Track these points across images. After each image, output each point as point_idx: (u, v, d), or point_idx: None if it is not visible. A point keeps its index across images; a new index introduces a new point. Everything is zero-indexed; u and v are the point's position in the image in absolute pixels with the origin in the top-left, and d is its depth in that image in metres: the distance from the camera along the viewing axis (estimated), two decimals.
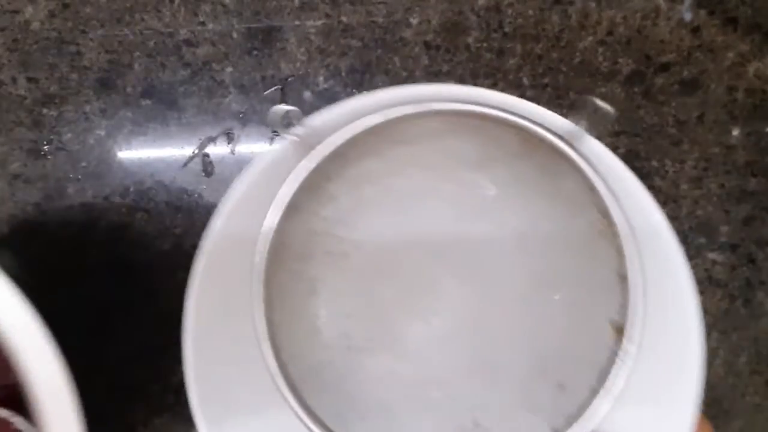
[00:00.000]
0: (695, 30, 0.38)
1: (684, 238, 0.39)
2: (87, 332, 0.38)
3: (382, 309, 0.33)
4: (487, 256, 0.32)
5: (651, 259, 0.26)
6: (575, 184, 0.27)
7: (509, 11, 0.37)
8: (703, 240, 0.40)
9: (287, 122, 0.27)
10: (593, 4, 0.37)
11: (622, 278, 0.26)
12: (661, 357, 0.27)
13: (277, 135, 0.27)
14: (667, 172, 0.39)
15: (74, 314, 0.37)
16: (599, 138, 0.26)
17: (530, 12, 0.37)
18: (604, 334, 0.27)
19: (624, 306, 0.26)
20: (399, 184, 0.32)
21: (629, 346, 0.25)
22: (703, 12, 0.38)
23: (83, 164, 0.37)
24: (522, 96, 0.36)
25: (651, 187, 0.39)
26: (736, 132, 0.39)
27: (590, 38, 0.38)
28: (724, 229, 0.40)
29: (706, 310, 0.40)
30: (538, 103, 0.38)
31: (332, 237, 0.32)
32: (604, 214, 0.26)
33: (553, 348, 0.30)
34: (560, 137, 0.26)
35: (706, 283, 0.40)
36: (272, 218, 0.27)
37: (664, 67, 0.38)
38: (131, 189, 0.37)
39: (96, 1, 0.36)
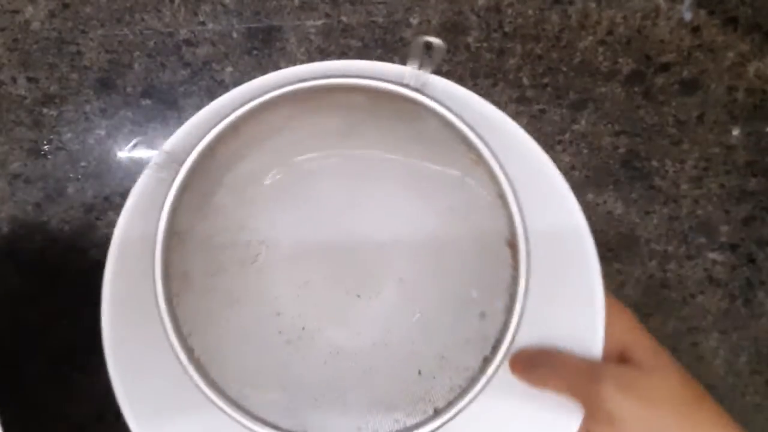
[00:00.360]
0: (695, 30, 0.38)
1: (684, 237, 0.39)
2: (87, 331, 0.38)
3: (309, 296, 0.33)
4: (389, 217, 0.33)
5: (522, 167, 0.28)
6: (437, 125, 0.28)
7: (509, 11, 0.37)
8: (703, 240, 0.40)
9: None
10: (593, 4, 0.37)
11: (502, 197, 0.27)
12: (557, 259, 0.28)
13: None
14: (667, 171, 0.39)
15: (74, 314, 0.37)
16: (436, 72, 0.27)
17: (530, 12, 0.37)
18: (504, 255, 0.28)
19: (510, 222, 0.27)
20: (284, 175, 0.33)
21: (521, 257, 0.27)
22: (703, 12, 0.38)
23: (83, 164, 0.37)
24: (522, 96, 0.37)
25: (651, 187, 0.39)
26: (736, 132, 0.39)
27: (590, 38, 0.38)
28: (724, 228, 0.40)
29: (707, 310, 0.40)
30: (538, 103, 0.38)
31: (237, 245, 0.32)
32: (467, 143, 0.27)
33: (470, 284, 0.31)
34: (405, 86, 0.27)
35: (706, 282, 0.40)
36: (158, 251, 0.27)
37: (664, 67, 0.38)
38: (131, 189, 0.37)
39: (96, 1, 0.36)
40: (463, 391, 0.27)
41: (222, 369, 0.28)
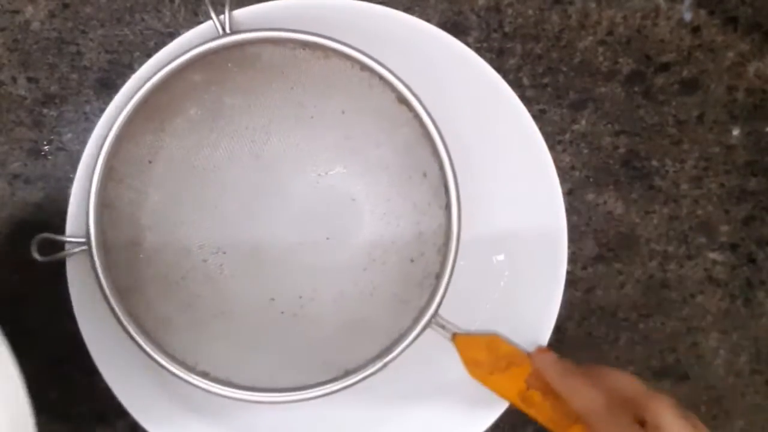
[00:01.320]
0: (695, 30, 0.38)
1: (684, 237, 0.39)
2: None
3: (290, 270, 0.34)
4: (307, 164, 0.34)
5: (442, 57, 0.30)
6: (272, 52, 0.29)
7: (509, 11, 0.37)
8: (703, 240, 0.40)
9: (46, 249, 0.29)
10: (593, 4, 0.37)
11: (369, 70, 0.28)
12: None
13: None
14: (667, 171, 0.39)
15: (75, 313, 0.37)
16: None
17: (530, 12, 0.37)
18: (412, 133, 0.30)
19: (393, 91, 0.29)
20: (195, 183, 0.33)
21: (441, 151, 0.29)
22: (703, 12, 0.38)
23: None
24: (522, 96, 0.36)
25: (651, 187, 0.39)
26: (736, 132, 0.39)
27: (590, 38, 0.38)
28: (724, 228, 0.40)
29: (707, 310, 0.40)
30: (538, 103, 0.38)
31: (196, 268, 0.33)
32: (311, 46, 0.28)
33: (406, 183, 0.33)
34: (217, 38, 0.28)
35: (706, 282, 0.40)
36: (123, 319, 0.29)
37: (664, 67, 0.38)
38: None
39: (96, 1, 0.36)
40: (446, 247, 0.29)
41: (249, 375, 0.29)
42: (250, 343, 0.32)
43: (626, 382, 0.30)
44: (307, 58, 0.29)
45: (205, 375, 0.28)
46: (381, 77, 0.28)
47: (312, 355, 0.32)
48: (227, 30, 0.28)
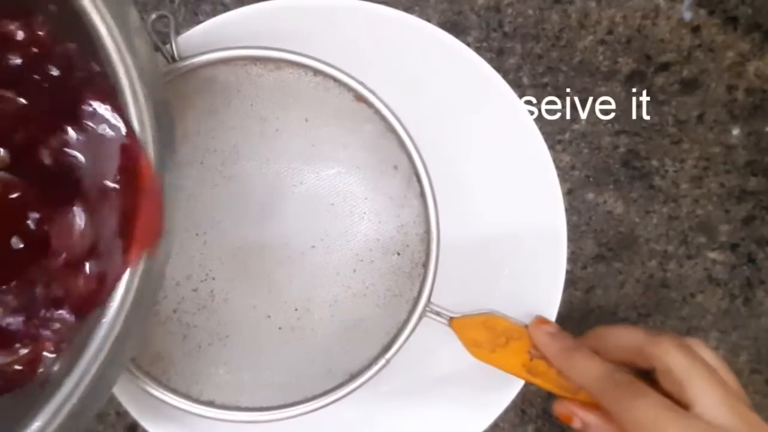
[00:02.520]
0: (695, 29, 0.38)
1: (684, 237, 0.39)
2: None
3: (280, 286, 0.34)
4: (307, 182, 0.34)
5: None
6: (225, 72, 0.30)
7: (509, 11, 0.37)
8: (703, 239, 0.40)
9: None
10: (593, 4, 0.37)
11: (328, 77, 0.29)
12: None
13: None
14: (667, 171, 0.39)
15: None
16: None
17: (530, 11, 0.37)
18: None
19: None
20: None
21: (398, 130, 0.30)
22: (703, 11, 0.38)
23: None
24: (522, 95, 0.37)
25: (651, 187, 0.39)
26: (736, 131, 0.39)
27: (590, 37, 0.38)
28: (724, 228, 0.40)
29: (707, 310, 0.40)
30: (539, 102, 0.38)
31: (185, 300, 0.33)
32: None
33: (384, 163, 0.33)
34: (169, 68, 0.28)
35: (706, 282, 0.40)
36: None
37: (664, 67, 0.38)
38: None
39: None
40: (428, 234, 0.30)
41: (256, 395, 0.29)
42: (252, 363, 0.32)
43: (627, 335, 0.30)
44: (260, 72, 0.29)
45: (210, 404, 0.29)
46: (334, 79, 0.29)
47: (315, 365, 0.32)
48: (176, 57, 0.28)
